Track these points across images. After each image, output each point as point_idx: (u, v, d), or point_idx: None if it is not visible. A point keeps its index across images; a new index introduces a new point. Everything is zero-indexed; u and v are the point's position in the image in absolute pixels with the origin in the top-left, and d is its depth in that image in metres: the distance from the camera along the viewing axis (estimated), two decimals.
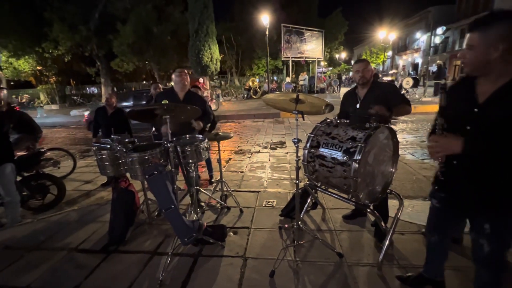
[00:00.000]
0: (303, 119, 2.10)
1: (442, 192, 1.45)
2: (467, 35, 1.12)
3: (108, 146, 2.51)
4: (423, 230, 2.37)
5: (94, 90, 25.88)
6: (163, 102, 2.17)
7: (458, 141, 1.15)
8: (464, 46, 1.14)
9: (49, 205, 3.27)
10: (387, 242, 1.95)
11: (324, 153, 1.86)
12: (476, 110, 1.17)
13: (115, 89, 24.00)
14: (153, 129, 4.14)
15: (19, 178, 3.18)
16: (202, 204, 3.08)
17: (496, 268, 1.31)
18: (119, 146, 2.48)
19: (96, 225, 2.81)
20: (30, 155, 3.37)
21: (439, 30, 19.98)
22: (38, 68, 19.55)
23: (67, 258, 2.30)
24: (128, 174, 2.53)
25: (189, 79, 2.93)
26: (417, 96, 12.81)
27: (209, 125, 3.57)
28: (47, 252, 2.39)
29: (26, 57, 17.64)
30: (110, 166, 2.51)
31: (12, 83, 24.12)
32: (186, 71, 2.94)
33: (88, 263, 2.21)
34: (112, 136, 2.76)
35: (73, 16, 15.74)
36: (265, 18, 14.44)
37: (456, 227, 1.72)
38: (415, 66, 27.92)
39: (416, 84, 13.32)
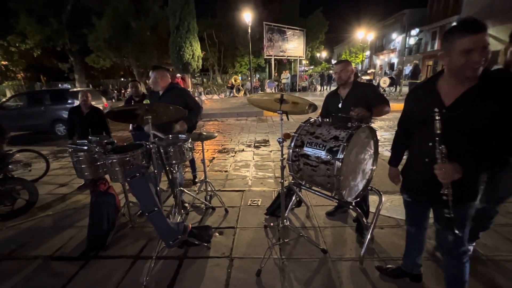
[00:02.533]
0: (288, 119, 2.13)
1: (408, 190, 1.60)
2: (481, 36, 1.09)
3: (85, 147, 2.39)
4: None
5: (67, 87, 24.50)
6: (144, 102, 2.09)
7: (459, 167, 1.20)
8: (471, 46, 1.09)
9: (20, 210, 3.05)
10: (368, 237, 2.04)
11: (308, 152, 1.90)
12: (444, 111, 1.23)
13: (91, 86, 22.86)
14: (131, 127, 3.99)
15: None
16: (186, 205, 3.03)
17: (460, 253, 1.42)
18: (98, 148, 2.36)
19: (73, 231, 2.67)
20: None
21: (413, 32, 20.97)
22: (3, 63, 18.12)
23: (42, 267, 2.16)
24: (107, 176, 2.42)
25: (164, 75, 2.88)
26: (393, 94, 13.38)
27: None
28: (19, 262, 2.24)
29: None
30: (87, 169, 2.39)
31: None
32: (152, 69, 2.92)
33: (65, 271, 2.09)
34: (90, 137, 2.63)
35: (42, 7, 14.72)
36: (247, 16, 14.37)
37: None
38: (391, 65, 29.12)
39: (392, 83, 13.92)
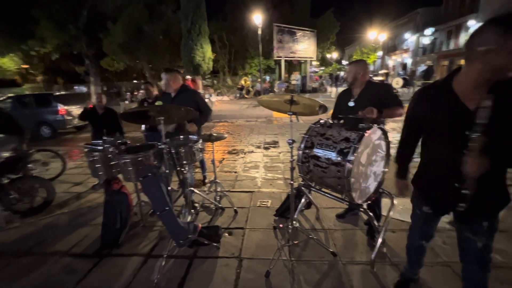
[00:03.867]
0: (298, 120, 2.12)
1: (429, 201, 1.46)
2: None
3: (100, 147, 2.47)
4: None
5: (83, 89, 25.31)
6: (156, 104, 2.14)
7: (487, 159, 1.13)
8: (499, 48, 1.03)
9: (38, 208, 3.18)
10: (379, 240, 2.00)
11: (318, 154, 1.89)
12: (468, 116, 1.15)
13: (105, 89, 23.56)
14: (143, 128, 4.07)
15: (6, 181, 3.09)
16: (196, 205, 3.06)
17: (488, 261, 1.36)
18: (112, 148, 2.44)
19: (88, 229, 2.75)
20: (17, 157, 3.27)
21: (427, 31, 20.44)
22: (24, 66, 18.97)
23: (59, 263, 2.24)
24: (120, 176, 2.49)
25: (176, 78, 2.93)
26: (406, 96, 13.07)
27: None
28: (37, 257, 2.33)
29: (11, 55, 17.08)
30: (102, 168, 2.47)
31: None
32: (164, 72, 2.95)
33: (80, 267, 2.16)
34: (104, 137, 2.71)
35: (60, 14, 15.31)
36: (257, 18, 14.44)
37: None
38: (404, 66, 28.48)
39: (405, 84, 13.61)
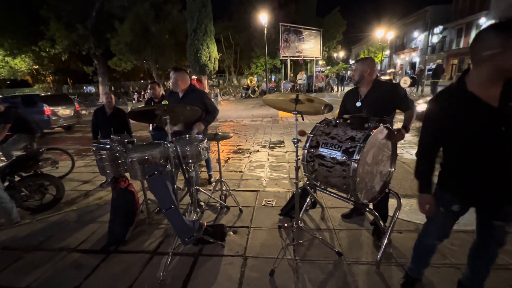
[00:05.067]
0: (303, 119, 2.12)
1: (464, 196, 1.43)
2: None
3: (108, 146, 2.51)
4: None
5: (91, 89, 25.76)
6: (163, 103, 2.17)
7: None
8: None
9: (48, 205, 3.26)
10: (385, 241, 1.97)
11: (324, 153, 1.88)
12: (496, 115, 1.18)
13: (113, 88, 23.90)
14: (150, 128, 4.13)
15: (17, 178, 3.17)
16: (202, 203, 3.08)
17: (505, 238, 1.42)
18: (119, 146, 2.47)
19: (96, 226, 2.81)
20: (28, 155, 3.35)
21: (436, 30, 20.08)
22: (35, 67, 19.41)
23: (67, 259, 2.29)
24: (127, 174, 2.52)
25: (184, 77, 2.92)
26: (414, 95, 12.87)
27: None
28: (46, 253, 2.39)
29: (23, 56, 17.51)
30: (109, 166, 2.50)
31: (8, 82, 23.93)
32: (173, 70, 2.93)
33: (87, 263, 2.21)
34: (112, 136, 2.76)
35: (69, 14, 15.64)
36: (263, 17, 14.42)
37: None
38: (412, 65, 28.04)
39: (413, 83, 13.40)
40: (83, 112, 13.90)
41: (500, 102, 1.17)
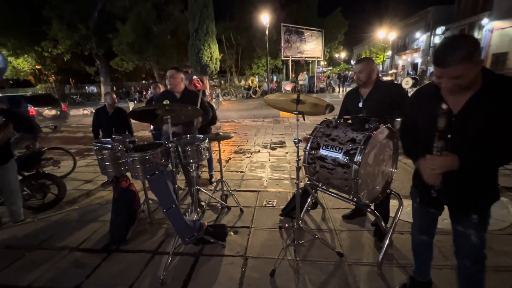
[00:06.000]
0: (304, 120, 2.11)
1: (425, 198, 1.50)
2: (449, 69, 1.13)
3: (109, 145, 2.52)
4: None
5: (93, 89, 25.83)
6: (164, 103, 2.17)
7: (455, 157, 1.22)
8: (439, 76, 1.20)
9: (50, 204, 3.27)
10: (387, 242, 1.97)
11: (325, 155, 1.87)
12: (453, 119, 1.24)
13: (115, 88, 23.97)
14: (151, 127, 4.15)
15: (19, 178, 3.18)
16: (203, 203, 3.09)
17: (482, 257, 1.39)
18: (120, 146, 2.48)
19: (97, 225, 2.81)
20: (30, 155, 3.37)
21: (439, 30, 20.00)
22: (37, 67, 19.51)
23: (68, 258, 2.30)
24: (129, 174, 2.53)
25: (181, 78, 2.91)
26: None
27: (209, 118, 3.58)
28: (48, 252, 2.40)
29: (25, 56, 17.60)
30: (111, 166, 2.51)
31: (11, 82, 24.07)
32: (176, 70, 2.91)
33: (89, 262, 2.22)
34: (113, 136, 2.76)
35: (72, 14, 15.71)
36: (265, 18, 14.44)
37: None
38: (414, 66, 27.94)
39: (415, 84, 13.37)
40: (86, 112, 13.99)
41: (460, 110, 1.23)
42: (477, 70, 1.14)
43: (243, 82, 21.31)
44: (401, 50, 31.75)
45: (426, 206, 1.54)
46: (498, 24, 17.88)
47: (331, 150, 1.83)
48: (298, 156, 2.03)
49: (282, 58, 18.75)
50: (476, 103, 1.19)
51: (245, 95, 18.12)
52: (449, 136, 1.24)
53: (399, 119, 1.92)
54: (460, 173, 1.24)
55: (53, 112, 9.23)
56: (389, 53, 32.40)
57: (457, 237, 1.44)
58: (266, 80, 17.90)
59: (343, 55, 36.48)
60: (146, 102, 4.52)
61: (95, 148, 2.56)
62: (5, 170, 2.65)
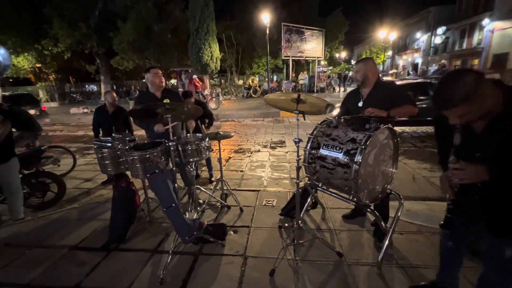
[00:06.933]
0: (304, 119, 2.11)
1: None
2: (449, 111, 1.12)
3: (109, 144, 2.52)
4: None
5: (94, 88, 25.78)
6: (164, 102, 2.17)
7: (484, 168, 1.15)
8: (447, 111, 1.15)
9: (49, 203, 3.27)
10: (386, 242, 1.97)
11: (325, 155, 1.87)
12: (477, 139, 1.21)
13: (115, 87, 23.95)
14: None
15: (20, 176, 3.18)
16: (200, 201, 3.08)
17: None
18: (120, 145, 2.48)
19: (97, 223, 2.81)
20: (30, 153, 3.37)
21: (440, 30, 19.97)
22: (38, 65, 19.46)
23: (68, 256, 2.31)
24: (128, 173, 2.53)
25: (163, 78, 2.80)
26: None
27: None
28: (48, 250, 2.40)
29: (26, 54, 17.56)
30: (111, 165, 2.51)
31: (10, 80, 24.03)
32: (158, 69, 2.82)
33: (89, 261, 2.22)
34: (113, 135, 2.76)
35: (72, 13, 15.66)
36: (265, 17, 14.41)
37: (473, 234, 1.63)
38: (415, 66, 27.91)
39: None
40: (86, 111, 13.98)
41: (483, 130, 1.19)
42: (484, 102, 1.09)
43: (243, 82, 21.27)
44: (401, 50, 31.73)
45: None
46: (499, 24, 17.86)
47: (332, 150, 1.83)
48: (298, 155, 2.03)
49: (283, 58, 18.73)
50: (498, 124, 1.15)
51: (245, 94, 18.09)
52: (477, 154, 1.21)
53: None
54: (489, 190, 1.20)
55: (32, 112, 9.20)
56: (390, 53, 32.38)
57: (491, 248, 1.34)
58: (267, 79, 17.88)
59: (343, 54, 36.42)
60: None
61: (95, 146, 2.56)
62: (7, 168, 2.65)
